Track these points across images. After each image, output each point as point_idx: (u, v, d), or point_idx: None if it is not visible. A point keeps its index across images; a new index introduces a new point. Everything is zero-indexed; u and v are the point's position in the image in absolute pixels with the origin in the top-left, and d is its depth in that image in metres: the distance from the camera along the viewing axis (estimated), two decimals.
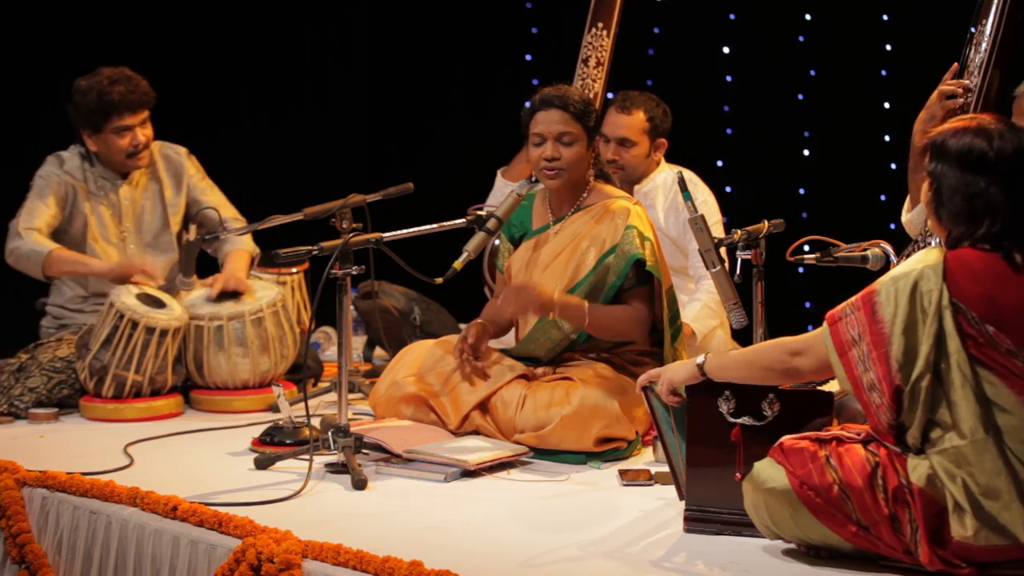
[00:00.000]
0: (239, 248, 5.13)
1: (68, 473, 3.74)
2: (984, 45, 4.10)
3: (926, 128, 4.06)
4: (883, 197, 6.52)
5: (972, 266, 2.91)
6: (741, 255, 3.80)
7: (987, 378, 2.89)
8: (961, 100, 4.10)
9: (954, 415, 2.91)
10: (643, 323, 4.21)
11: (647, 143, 5.08)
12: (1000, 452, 2.88)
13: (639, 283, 4.20)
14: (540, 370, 4.26)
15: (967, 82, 4.10)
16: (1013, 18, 4.09)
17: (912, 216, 4.19)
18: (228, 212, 5.21)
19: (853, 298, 3.02)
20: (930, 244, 4.02)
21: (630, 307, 4.20)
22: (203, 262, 5.26)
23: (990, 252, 2.93)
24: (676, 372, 3.33)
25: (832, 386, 3.42)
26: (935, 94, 4.14)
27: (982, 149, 2.94)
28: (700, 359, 3.26)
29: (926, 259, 2.96)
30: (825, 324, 3.04)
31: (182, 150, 5.25)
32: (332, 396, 4.77)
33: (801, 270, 5.39)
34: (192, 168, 5.23)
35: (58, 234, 5.02)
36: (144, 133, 5.03)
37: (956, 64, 4.17)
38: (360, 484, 3.72)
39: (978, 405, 2.89)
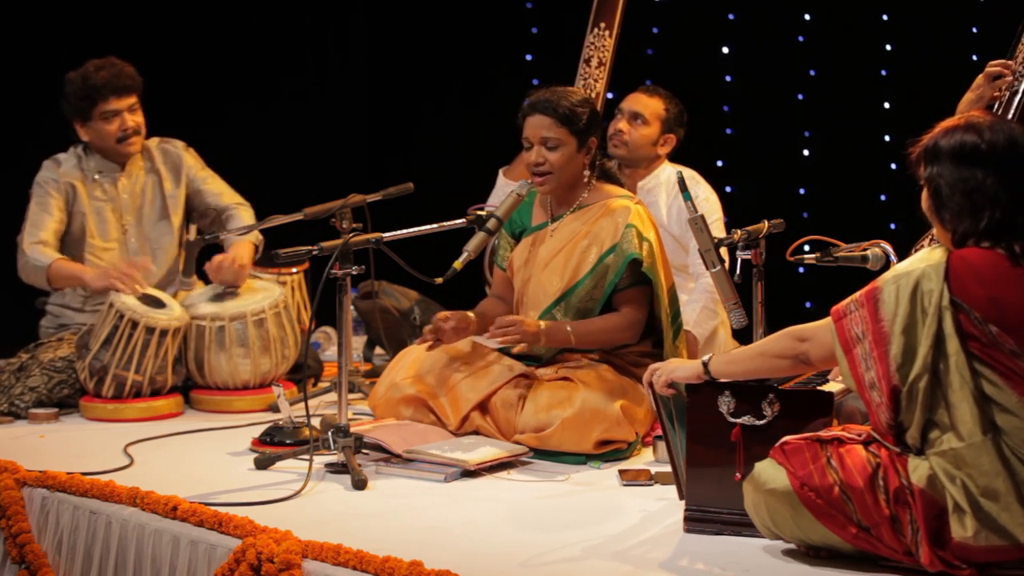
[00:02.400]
0: (244, 239, 5.10)
1: (68, 473, 3.74)
2: None
3: (971, 109, 4.08)
4: (883, 197, 6.52)
5: (976, 266, 2.91)
6: (741, 255, 3.80)
7: (989, 378, 2.89)
8: (1010, 79, 4.11)
9: (952, 417, 2.91)
10: (631, 328, 4.21)
11: (657, 130, 5.11)
12: (999, 453, 2.88)
13: (634, 283, 4.20)
14: (541, 370, 4.26)
15: (1012, 63, 4.11)
16: None
17: None
18: (232, 199, 5.21)
19: (858, 294, 3.02)
20: None
21: (616, 315, 4.21)
22: (203, 263, 5.26)
23: (992, 250, 2.93)
24: (679, 369, 3.32)
25: (832, 386, 3.42)
26: (982, 76, 4.14)
27: (974, 142, 2.95)
28: (705, 358, 3.26)
29: (929, 258, 2.96)
30: (830, 320, 3.04)
31: (179, 143, 5.25)
32: (332, 396, 4.77)
33: (801, 270, 5.39)
34: (190, 160, 5.23)
35: (61, 236, 5.03)
36: (133, 119, 5.05)
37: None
38: (360, 484, 3.72)
39: (976, 407, 2.89)
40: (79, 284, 4.96)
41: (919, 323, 2.92)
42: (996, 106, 4.11)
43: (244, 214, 5.17)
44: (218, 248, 5.17)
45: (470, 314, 4.28)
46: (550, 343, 4.17)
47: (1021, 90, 4.12)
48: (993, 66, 4.15)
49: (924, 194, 3.04)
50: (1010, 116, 4.08)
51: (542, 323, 4.14)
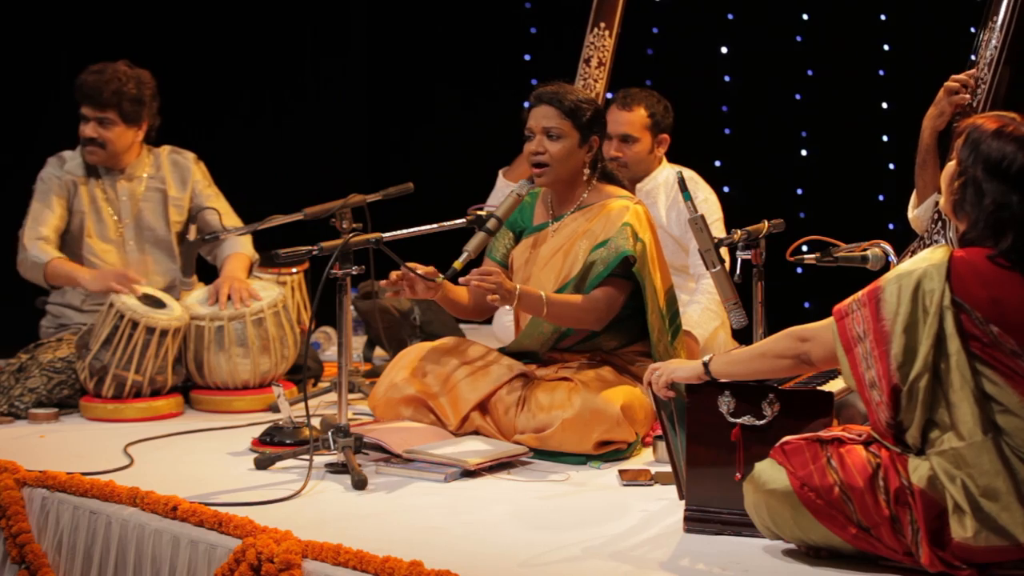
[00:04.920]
0: (238, 252, 5.12)
1: (68, 473, 3.74)
2: (994, 43, 4.12)
3: (935, 123, 4.16)
4: (882, 197, 6.52)
5: (978, 267, 2.91)
6: (741, 255, 3.80)
7: (990, 378, 2.89)
8: (968, 98, 4.13)
9: (953, 416, 2.92)
10: (596, 311, 4.16)
11: (649, 139, 5.10)
12: (999, 453, 2.88)
13: (617, 275, 4.17)
14: (540, 370, 4.26)
15: (975, 72, 4.12)
16: None
17: (919, 212, 4.21)
18: (231, 221, 5.18)
19: (859, 293, 3.02)
20: (937, 241, 4.03)
21: (587, 296, 4.17)
22: (203, 263, 5.26)
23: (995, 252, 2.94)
24: (679, 369, 3.32)
25: (832, 386, 3.42)
26: (943, 89, 4.17)
27: (1013, 159, 2.93)
28: (706, 359, 3.26)
29: (931, 258, 2.96)
30: (832, 319, 3.05)
31: (190, 155, 5.24)
32: (332, 396, 4.77)
33: (799, 270, 5.39)
34: (199, 174, 5.23)
35: (61, 233, 5.03)
36: (98, 131, 4.98)
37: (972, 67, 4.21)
38: (360, 484, 3.72)
39: (977, 407, 2.89)
40: (75, 284, 4.97)
41: (920, 322, 2.93)
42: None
43: (239, 240, 5.14)
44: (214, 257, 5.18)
45: (441, 276, 4.13)
46: (523, 308, 4.12)
47: (984, 91, 4.14)
48: (953, 81, 4.18)
49: (950, 169, 3.02)
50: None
51: (519, 286, 4.09)
